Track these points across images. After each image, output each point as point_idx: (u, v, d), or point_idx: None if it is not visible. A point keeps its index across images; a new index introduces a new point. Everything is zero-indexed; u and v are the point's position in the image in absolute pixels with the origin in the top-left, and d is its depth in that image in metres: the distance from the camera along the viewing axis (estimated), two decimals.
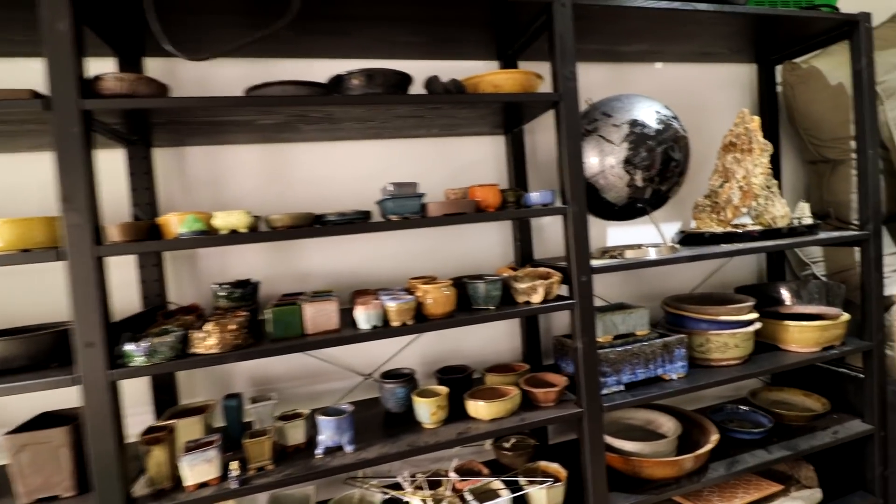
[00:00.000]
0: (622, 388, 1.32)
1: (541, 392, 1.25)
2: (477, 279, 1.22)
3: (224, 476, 1.03)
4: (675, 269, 1.81)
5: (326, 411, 1.15)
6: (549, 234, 1.67)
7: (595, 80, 1.66)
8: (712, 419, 1.52)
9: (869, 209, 1.50)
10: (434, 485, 1.32)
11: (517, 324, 1.63)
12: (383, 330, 1.11)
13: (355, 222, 1.11)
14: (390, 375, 1.33)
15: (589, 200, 1.40)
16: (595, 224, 1.69)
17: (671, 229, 1.71)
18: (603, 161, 1.38)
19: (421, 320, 1.15)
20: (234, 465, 1.02)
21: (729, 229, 1.51)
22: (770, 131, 1.79)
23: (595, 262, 1.25)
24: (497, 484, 1.29)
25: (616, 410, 1.34)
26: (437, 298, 1.15)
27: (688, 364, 1.39)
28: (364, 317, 1.11)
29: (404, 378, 1.29)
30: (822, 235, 1.52)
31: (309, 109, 1.11)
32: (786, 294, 1.57)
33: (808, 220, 1.56)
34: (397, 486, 1.30)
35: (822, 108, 1.70)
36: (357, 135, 1.44)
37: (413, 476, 1.35)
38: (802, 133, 1.82)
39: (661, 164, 1.37)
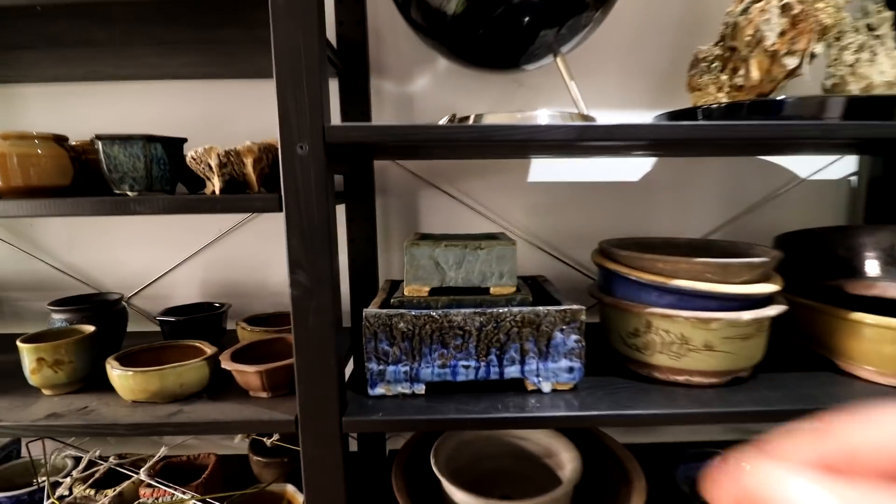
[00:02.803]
0: (418, 388, 0.66)
1: (250, 370, 0.65)
2: (123, 139, 0.62)
3: None
4: (676, 200, 1.00)
5: None
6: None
7: None
8: (663, 469, 0.79)
9: None
10: (116, 478, 0.82)
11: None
12: None
13: None
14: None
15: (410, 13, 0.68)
16: (473, 83, 0.96)
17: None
18: None
19: None
20: None
21: (755, 98, 0.70)
22: None
23: (342, 127, 0.57)
24: None
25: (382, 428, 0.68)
26: (7, 157, 0.59)
27: (582, 368, 0.67)
28: None
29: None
30: None
31: None
32: (872, 256, 0.72)
33: None
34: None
35: None
36: None
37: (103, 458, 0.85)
38: None
39: None
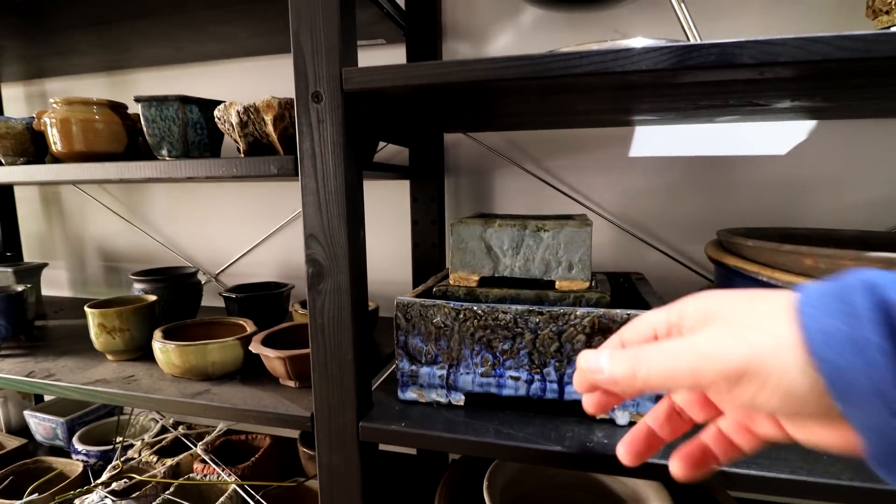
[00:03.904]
0: (456, 397, 0.54)
1: (272, 355, 0.59)
2: (158, 100, 0.59)
3: None
4: (843, 182, 0.73)
5: None
6: None
7: None
8: None
9: None
10: (180, 448, 0.83)
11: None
12: None
13: None
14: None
15: None
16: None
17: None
18: None
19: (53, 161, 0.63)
20: None
21: None
22: None
23: (361, 70, 0.47)
24: (230, 491, 0.72)
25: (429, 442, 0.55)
26: (67, 123, 0.60)
27: None
28: None
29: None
30: None
31: None
32: None
33: None
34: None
35: None
36: None
37: (174, 426, 0.88)
38: None
39: None
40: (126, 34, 0.80)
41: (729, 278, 0.55)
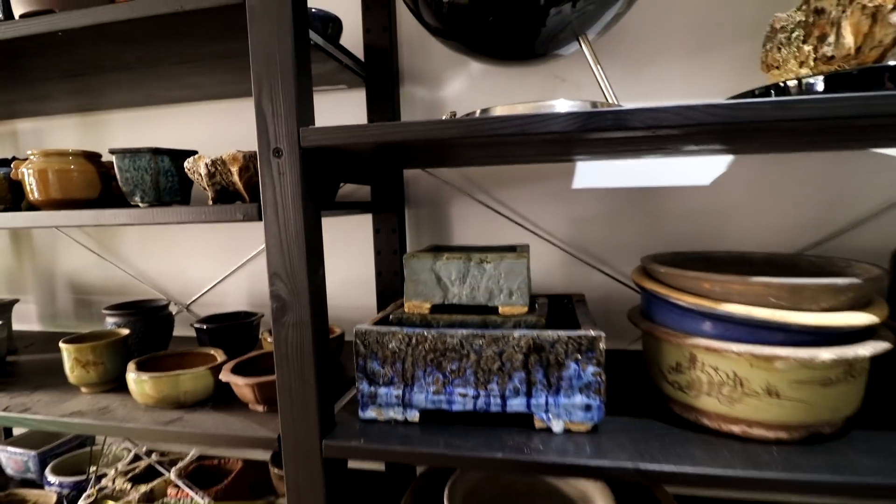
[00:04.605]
0: (411, 414, 0.60)
1: (241, 383, 0.64)
2: (131, 153, 0.65)
3: None
4: (759, 208, 0.83)
5: None
6: None
7: None
8: None
9: None
10: (153, 475, 0.86)
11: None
12: None
13: None
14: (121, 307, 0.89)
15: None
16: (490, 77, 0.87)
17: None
18: None
19: (30, 207, 0.67)
20: None
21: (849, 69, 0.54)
22: None
23: (317, 129, 0.53)
24: None
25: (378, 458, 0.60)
26: (44, 173, 0.64)
27: (601, 406, 0.55)
28: None
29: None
30: None
31: None
32: None
33: None
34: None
35: None
36: None
37: (148, 453, 0.90)
38: None
39: None
40: (98, 83, 0.85)
41: (648, 300, 0.63)
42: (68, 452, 1.02)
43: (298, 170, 0.52)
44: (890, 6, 0.55)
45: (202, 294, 1.10)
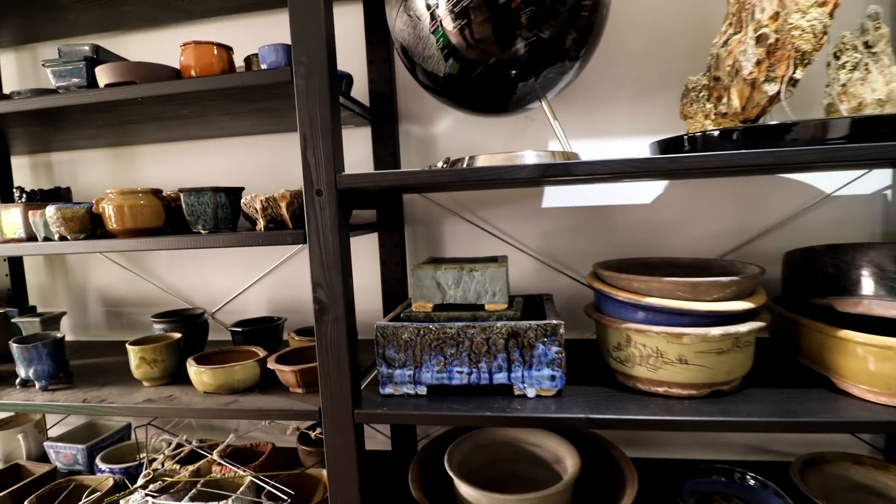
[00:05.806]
0: (420, 389, 0.78)
1: (286, 370, 0.81)
2: (196, 191, 0.82)
3: None
4: (690, 221, 1.04)
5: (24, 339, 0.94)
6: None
7: None
8: (671, 483, 0.82)
9: None
10: (196, 458, 1.02)
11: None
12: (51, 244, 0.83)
13: None
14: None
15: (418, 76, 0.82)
16: (469, 126, 1.07)
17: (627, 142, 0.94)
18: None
19: (105, 236, 0.83)
20: None
21: (741, 125, 0.74)
22: None
23: (348, 176, 0.72)
24: (248, 482, 0.92)
25: (417, 422, 0.79)
26: (121, 208, 0.81)
27: (563, 376, 0.74)
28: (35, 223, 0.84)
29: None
30: None
31: None
32: (860, 274, 0.72)
33: None
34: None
35: None
36: None
37: (188, 441, 1.06)
38: None
39: None
40: (138, 129, 1.01)
41: (598, 296, 0.82)
42: (111, 446, 1.16)
43: (335, 205, 0.70)
44: (762, 78, 0.76)
45: (227, 302, 1.26)
